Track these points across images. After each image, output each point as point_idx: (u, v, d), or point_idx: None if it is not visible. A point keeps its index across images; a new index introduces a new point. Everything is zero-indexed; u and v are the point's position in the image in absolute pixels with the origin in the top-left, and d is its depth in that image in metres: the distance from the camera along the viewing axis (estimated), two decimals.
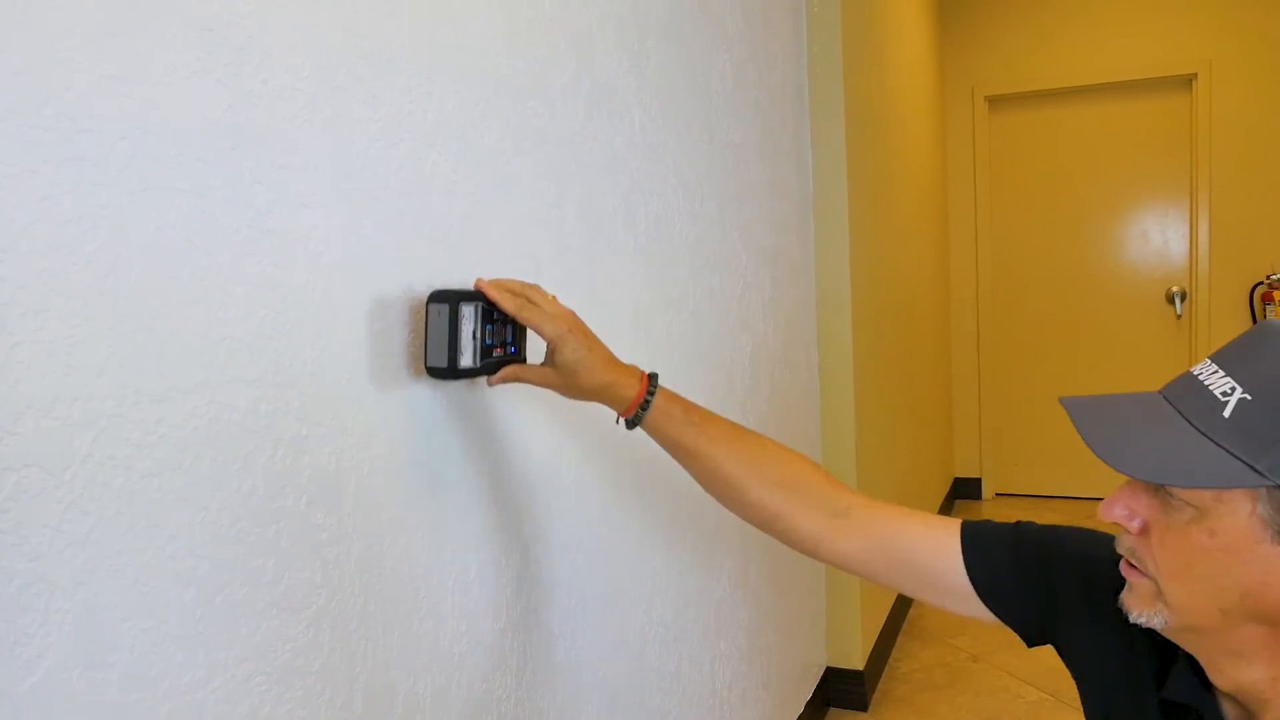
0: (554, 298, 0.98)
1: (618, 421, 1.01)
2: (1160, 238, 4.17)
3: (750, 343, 1.90)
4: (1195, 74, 3.98)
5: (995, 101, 4.30)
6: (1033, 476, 4.52)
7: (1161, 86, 4.06)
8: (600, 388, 0.97)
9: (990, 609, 0.91)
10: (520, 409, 1.11)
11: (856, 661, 2.46)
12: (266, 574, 0.76)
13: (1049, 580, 0.87)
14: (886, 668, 2.72)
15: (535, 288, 0.97)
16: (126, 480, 0.65)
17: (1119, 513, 0.71)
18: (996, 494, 4.62)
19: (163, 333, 0.67)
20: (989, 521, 0.93)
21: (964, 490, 4.62)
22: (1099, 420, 0.70)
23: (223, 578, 0.72)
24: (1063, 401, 0.72)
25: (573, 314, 0.98)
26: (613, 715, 1.33)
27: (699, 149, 1.65)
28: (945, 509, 4.32)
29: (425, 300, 0.91)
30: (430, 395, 0.95)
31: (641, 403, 0.98)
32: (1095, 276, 4.26)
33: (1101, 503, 0.73)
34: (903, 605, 3.02)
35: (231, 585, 0.73)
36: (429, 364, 0.91)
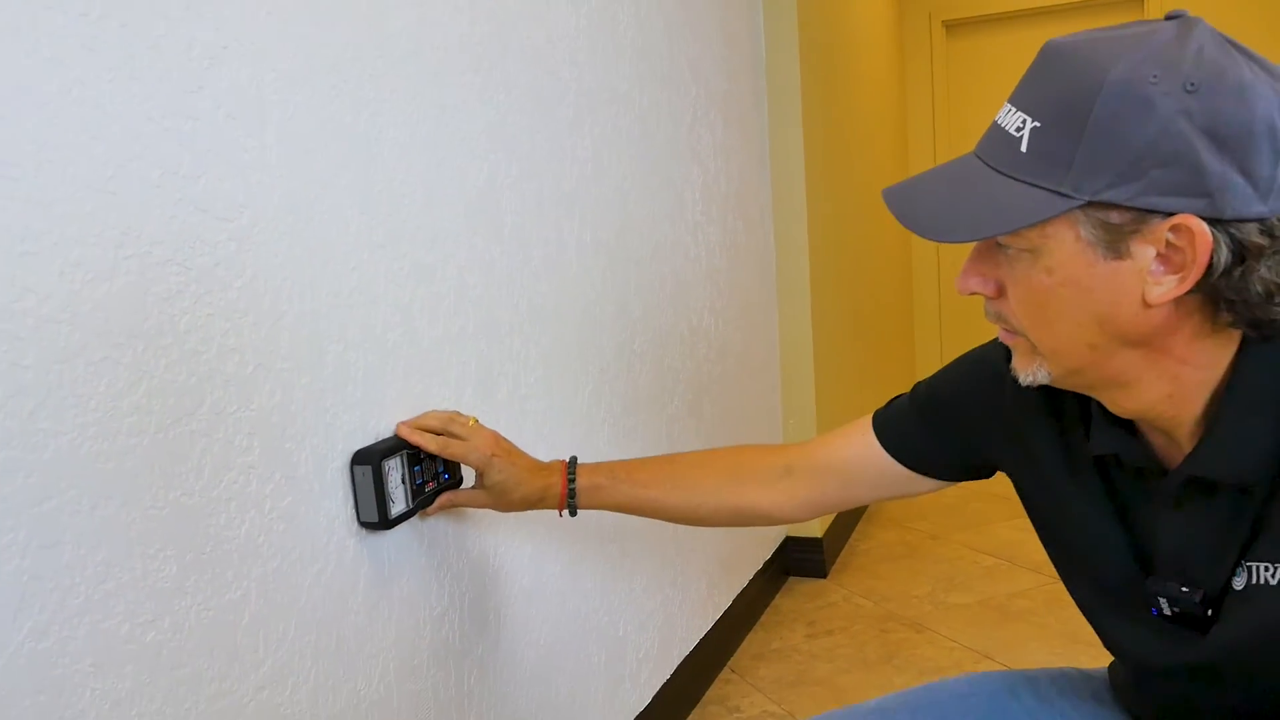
0: (474, 421, 1.05)
1: (561, 515, 1.08)
2: None
3: (701, 177, 1.93)
4: None
5: (952, 26, 4.35)
6: None
7: (1113, 5, 4.13)
8: (531, 497, 1.05)
9: (932, 477, 0.95)
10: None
11: (815, 530, 2.50)
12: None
13: (956, 422, 0.90)
14: (846, 546, 2.76)
15: (454, 419, 1.04)
16: None
17: (973, 283, 0.71)
18: None
19: None
20: (894, 400, 0.98)
21: None
22: (913, 199, 0.70)
23: None
24: (884, 194, 0.72)
25: (494, 436, 1.04)
26: None
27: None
28: None
29: (349, 462, 0.95)
30: None
31: (568, 492, 1.05)
32: None
33: (955, 280, 0.73)
34: None
35: None
36: (361, 520, 0.96)
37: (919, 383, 0.96)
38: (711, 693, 1.92)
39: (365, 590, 0.97)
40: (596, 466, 1.07)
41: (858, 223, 3.15)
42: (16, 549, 0.65)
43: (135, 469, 0.73)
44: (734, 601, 2.10)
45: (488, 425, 1.08)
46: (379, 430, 1.00)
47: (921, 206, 0.70)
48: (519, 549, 1.26)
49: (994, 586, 2.39)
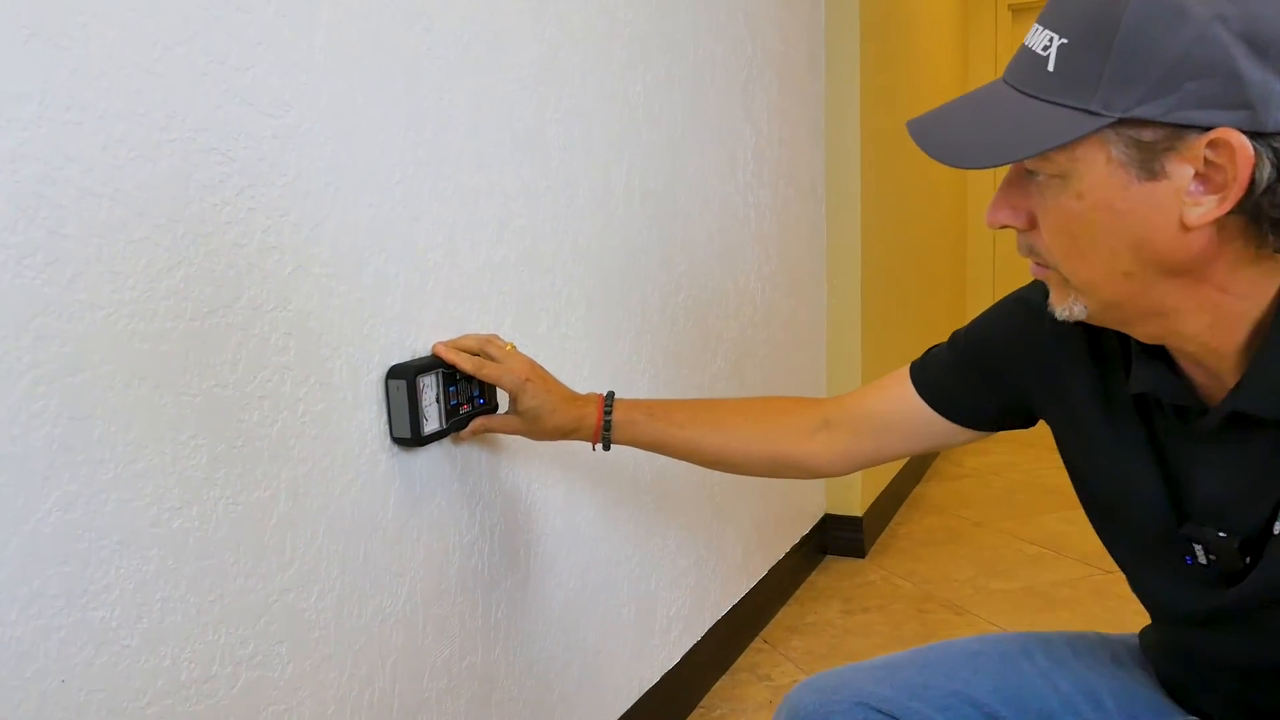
0: (512, 346, 1.03)
1: (594, 449, 1.06)
2: None
3: (753, 137, 1.90)
4: None
5: (1019, 10, 4.25)
6: None
7: None
8: (565, 426, 1.03)
9: (970, 427, 0.92)
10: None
11: (855, 508, 2.46)
12: None
13: (994, 366, 0.87)
14: (887, 529, 2.72)
15: (492, 340, 1.03)
16: None
17: (1002, 215, 0.68)
18: None
19: None
20: (931, 349, 0.95)
21: None
22: (937, 127, 0.67)
23: None
24: (907, 125, 0.69)
25: (530, 362, 1.03)
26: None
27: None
28: None
29: (385, 376, 0.94)
30: None
31: (603, 424, 1.03)
32: None
33: (985, 213, 0.70)
34: (907, 478, 3.01)
35: None
36: (394, 435, 0.95)
37: (957, 330, 0.93)
38: (742, 660, 1.90)
39: (395, 508, 0.97)
40: (634, 403, 1.05)
41: (912, 201, 3.09)
42: (49, 417, 0.65)
43: (170, 353, 0.73)
44: (769, 572, 2.07)
45: (528, 353, 1.07)
46: (415, 349, 0.99)
47: (945, 134, 0.67)
48: (553, 489, 1.25)
49: (1038, 575, 2.33)
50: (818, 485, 2.44)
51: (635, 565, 1.48)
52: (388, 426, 0.95)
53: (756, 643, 1.98)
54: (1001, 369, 0.87)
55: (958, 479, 3.27)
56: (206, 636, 0.77)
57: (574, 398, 1.04)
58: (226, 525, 0.78)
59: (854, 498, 2.47)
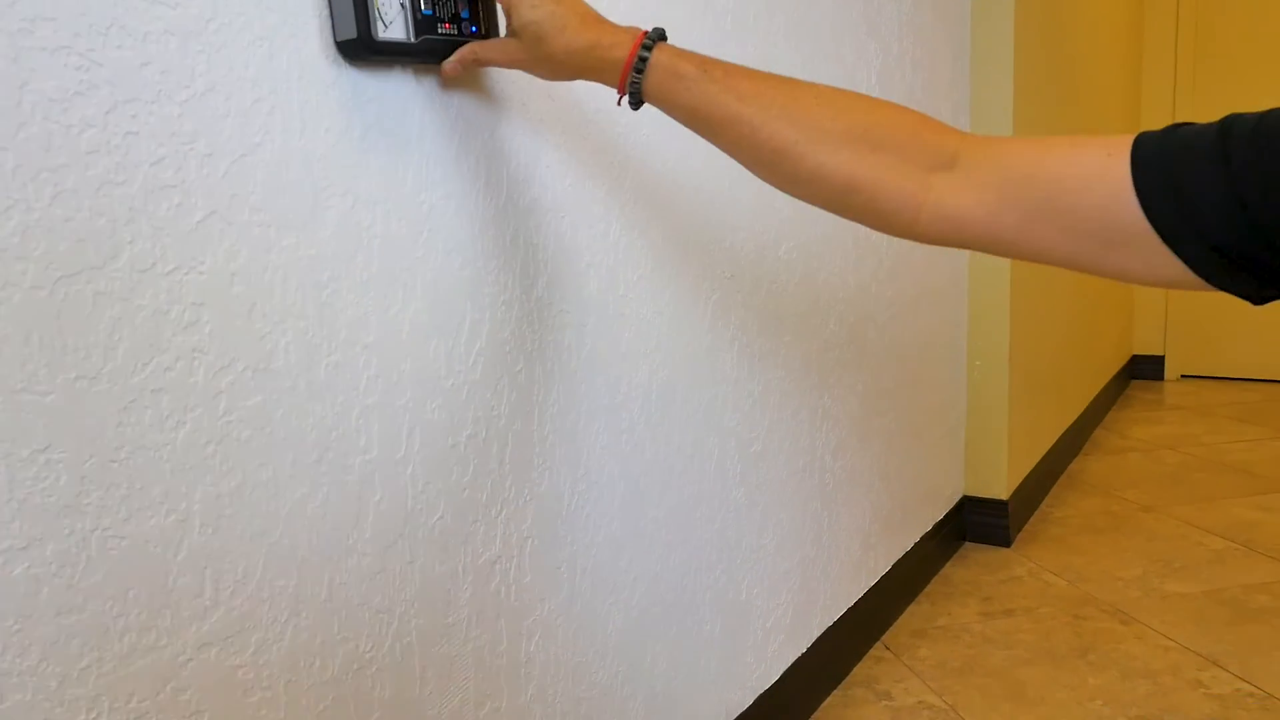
0: None
1: (619, 102, 0.77)
2: None
3: (879, 56, 1.57)
4: None
5: None
6: (1224, 357, 3.96)
7: None
8: (578, 48, 0.73)
9: (1188, 260, 0.57)
10: None
11: (999, 491, 2.14)
12: None
13: None
14: (1037, 512, 2.37)
15: None
16: None
17: None
18: (1182, 375, 4.08)
19: None
20: (1176, 126, 0.59)
21: (1143, 370, 4.11)
22: None
23: None
24: None
25: None
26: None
27: None
28: (1119, 390, 3.83)
29: None
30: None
31: (635, 63, 0.72)
32: None
33: None
34: (1062, 452, 2.63)
35: None
36: (337, 37, 0.70)
37: (1233, 116, 0.56)
38: (859, 672, 1.63)
39: (375, 528, 0.75)
40: (686, 53, 0.74)
41: None
42: None
43: (0, 335, 0.52)
44: (894, 567, 1.79)
45: (572, 322, 0.82)
46: None
47: None
48: (609, 487, 1.01)
49: (1225, 576, 1.95)
50: (955, 464, 2.12)
51: (720, 573, 1.23)
52: (330, 33, 0.70)
53: (876, 649, 1.71)
54: None
55: (1122, 453, 2.86)
56: (77, 717, 0.57)
57: (597, 20, 0.75)
58: (105, 567, 0.58)
59: (998, 478, 2.14)
